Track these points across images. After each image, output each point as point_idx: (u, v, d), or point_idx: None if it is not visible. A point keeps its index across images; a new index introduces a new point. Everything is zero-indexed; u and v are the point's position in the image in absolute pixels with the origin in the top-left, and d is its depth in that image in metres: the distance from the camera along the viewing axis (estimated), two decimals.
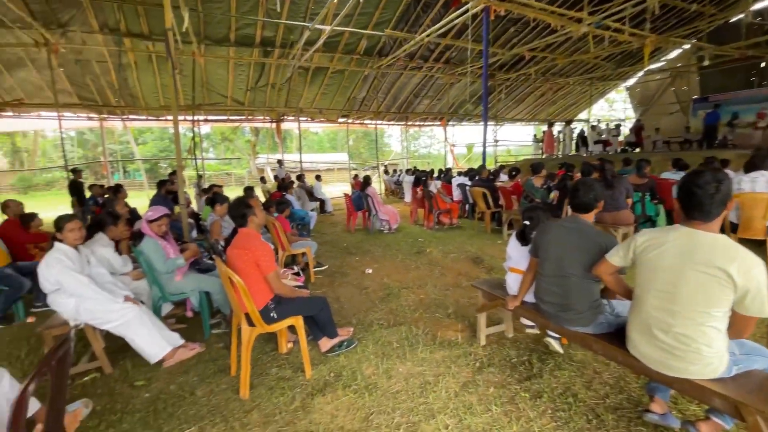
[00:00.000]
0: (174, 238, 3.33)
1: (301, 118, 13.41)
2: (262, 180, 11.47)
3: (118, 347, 2.84)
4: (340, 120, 14.59)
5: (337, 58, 11.35)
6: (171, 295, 3.08)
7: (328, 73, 11.97)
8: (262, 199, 7.92)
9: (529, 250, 2.47)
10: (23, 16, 7.04)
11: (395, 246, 6.15)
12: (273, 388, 2.40)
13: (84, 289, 2.51)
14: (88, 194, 7.86)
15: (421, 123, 17.70)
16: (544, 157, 15.52)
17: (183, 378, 2.58)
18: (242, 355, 2.34)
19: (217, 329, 3.27)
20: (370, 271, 4.80)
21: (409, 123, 17.11)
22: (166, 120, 12.97)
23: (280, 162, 12.45)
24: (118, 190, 6.08)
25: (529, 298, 2.50)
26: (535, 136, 18.30)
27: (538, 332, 2.93)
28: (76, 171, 8.46)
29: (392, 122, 16.69)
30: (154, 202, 5.96)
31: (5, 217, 4.37)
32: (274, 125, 13.89)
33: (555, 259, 2.20)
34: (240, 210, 2.51)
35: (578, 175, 6.75)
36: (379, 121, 15.87)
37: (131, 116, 12.48)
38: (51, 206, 13.40)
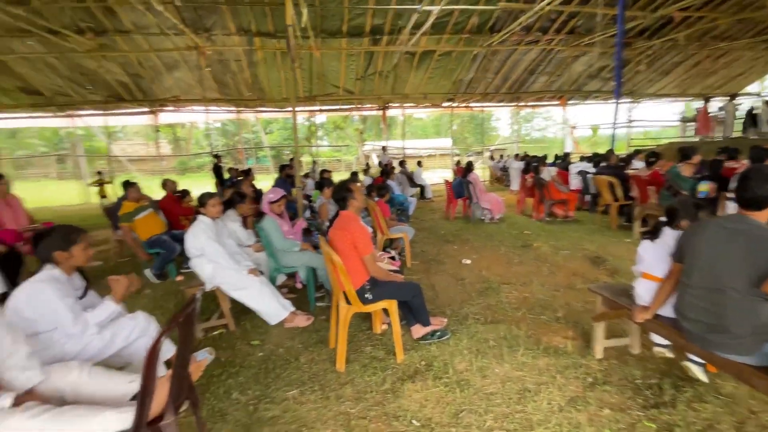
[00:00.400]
0: (290, 217, 3.68)
1: (405, 104, 13.50)
2: (367, 166, 11.97)
3: (241, 309, 3.26)
4: (445, 104, 14.25)
5: (444, 40, 11.00)
6: (284, 268, 3.42)
7: (434, 57, 11.71)
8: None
9: (671, 253, 2.02)
10: (177, 23, 8.43)
11: (497, 237, 5.79)
12: (366, 366, 2.47)
13: (220, 257, 2.92)
14: (227, 176, 9.25)
15: (536, 103, 16.20)
16: (697, 140, 12.76)
17: (290, 344, 2.84)
18: (339, 331, 2.46)
19: (321, 302, 3.52)
20: (468, 261, 4.60)
21: (522, 104, 15.82)
22: (288, 111, 14.41)
23: (383, 148, 12.79)
24: (247, 173, 6.99)
25: (666, 311, 2.06)
26: (683, 114, 15.13)
27: (673, 356, 2.38)
28: (217, 156, 10.01)
29: (501, 104, 15.64)
30: (276, 184, 6.71)
31: (164, 193, 5.37)
32: (380, 112, 14.30)
33: (707, 267, 1.76)
34: (341, 194, 2.61)
35: (744, 162, 5.37)
36: (486, 104, 15.04)
37: (260, 108, 14.21)
38: (201, 186, 16.17)
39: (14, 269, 3.56)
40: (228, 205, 3.59)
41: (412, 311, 2.68)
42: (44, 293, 1.78)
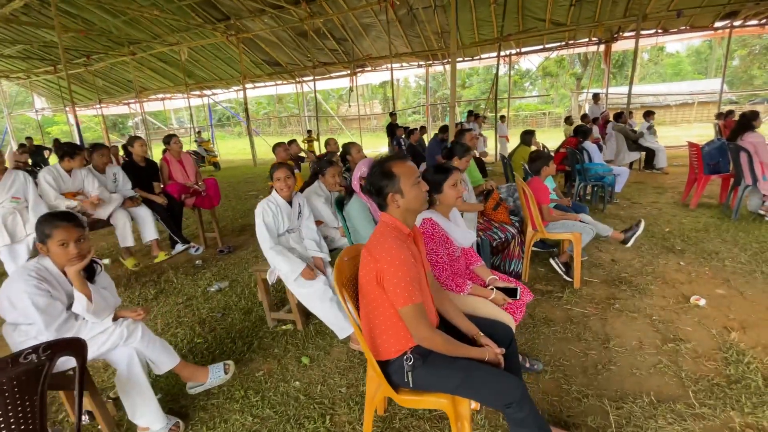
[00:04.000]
0: None
1: (645, 31, 9.56)
2: (567, 120, 9.27)
3: None
4: (718, 24, 9.30)
5: None
6: None
7: None
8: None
9: None
10: None
11: None
12: None
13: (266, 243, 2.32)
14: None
15: None
16: None
17: (335, 381, 2.02)
18: (364, 415, 1.46)
19: None
20: (701, 301, 2.52)
21: None
22: (478, 60, 12.75)
23: (595, 97, 9.59)
24: (423, 131, 6.19)
25: None
26: None
27: None
28: (393, 114, 9.71)
29: None
30: (429, 148, 5.75)
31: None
32: (602, 48, 10.75)
33: None
34: (374, 181, 1.43)
35: None
36: None
37: (449, 60, 13.10)
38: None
39: (176, 219, 4.06)
40: (314, 177, 2.94)
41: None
42: (17, 284, 1.54)
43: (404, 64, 13.41)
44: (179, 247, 3.89)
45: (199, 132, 14.43)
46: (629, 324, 2.36)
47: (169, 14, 9.83)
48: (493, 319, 1.65)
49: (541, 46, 11.57)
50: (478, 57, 12.68)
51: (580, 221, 2.96)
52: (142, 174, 3.82)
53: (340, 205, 2.55)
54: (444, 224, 1.73)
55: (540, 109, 28.59)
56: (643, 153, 7.27)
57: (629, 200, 5.32)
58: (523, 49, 11.87)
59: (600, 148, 7.48)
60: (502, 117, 10.67)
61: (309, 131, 13.10)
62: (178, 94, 16.26)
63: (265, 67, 13.95)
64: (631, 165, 7.80)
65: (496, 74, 10.55)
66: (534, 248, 3.19)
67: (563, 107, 28.26)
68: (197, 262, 3.93)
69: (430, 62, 13.36)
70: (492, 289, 1.77)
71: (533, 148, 5.15)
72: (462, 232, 1.80)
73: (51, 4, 6.53)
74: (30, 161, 8.72)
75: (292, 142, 5.91)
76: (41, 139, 16.94)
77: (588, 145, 5.31)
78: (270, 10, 9.84)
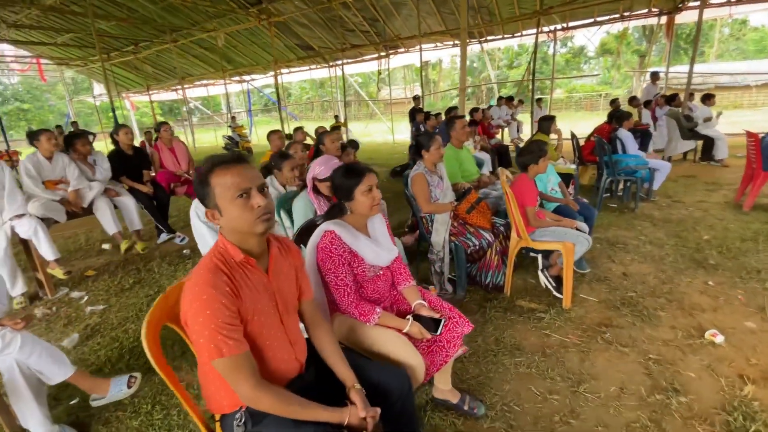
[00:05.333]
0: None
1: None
2: (612, 103, 8.18)
3: None
4: None
5: None
6: None
7: None
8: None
9: None
10: None
11: None
12: None
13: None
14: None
15: None
16: None
17: None
18: None
19: None
20: (719, 338, 1.99)
21: None
22: (520, 36, 11.70)
23: (653, 76, 8.37)
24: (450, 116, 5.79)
25: None
26: None
27: None
28: (416, 98, 9.22)
29: None
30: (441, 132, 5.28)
31: None
32: (663, 20, 9.37)
33: None
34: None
35: None
36: None
37: (489, 37, 12.18)
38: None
39: (162, 208, 4.05)
40: (266, 171, 2.70)
41: None
42: None
43: (438, 44, 12.69)
44: (163, 236, 3.88)
45: (233, 117, 14.80)
46: (615, 362, 1.92)
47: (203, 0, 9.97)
48: (396, 360, 1.34)
49: (591, 20, 10.35)
50: (519, 33, 11.64)
51: (577, 229, 2.48)
52: (130, 163, 3.82)
53: (285, 203, 2.31)
54: (350, 239, 1.42)
55: (596, 90, 26.13)
56: (700, 142, 6.24)
57: (670, 198, 4.57)
58: (570, 24, 10.70)
59: (649, 136, 6.56)
60: (539, 100, 9.76)
61: (336, 116, 12.91)
62: (220, 80, 16.79)
63: (299, 51, 13.88)
64: (685, 155, 6.78)
65: (534, 52, 9.60)
66: (533, 254, 2.75)
67: (625, 88, 25.59)
68: (185, 251, 3.92)
69: (468, 41, 12.50)
70: (409, 318, 1.45)
71: (553, 136, 4.55)
72: (376, 248, 1.48)
73: None
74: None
75: (298, 129, 5.72)
76: (100, 124, 18.34)
77: (622, 133, 4.58)
78: None
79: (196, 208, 2.15)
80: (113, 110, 8.58)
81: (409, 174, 2.61)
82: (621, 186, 4.73)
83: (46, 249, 3.02)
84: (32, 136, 3.15)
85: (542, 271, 2.59)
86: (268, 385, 0.97)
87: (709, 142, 6.09)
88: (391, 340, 1.38)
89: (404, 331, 1.42)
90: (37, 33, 13.53)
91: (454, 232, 2.49)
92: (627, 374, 1.82)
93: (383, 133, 16.95)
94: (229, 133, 13.57)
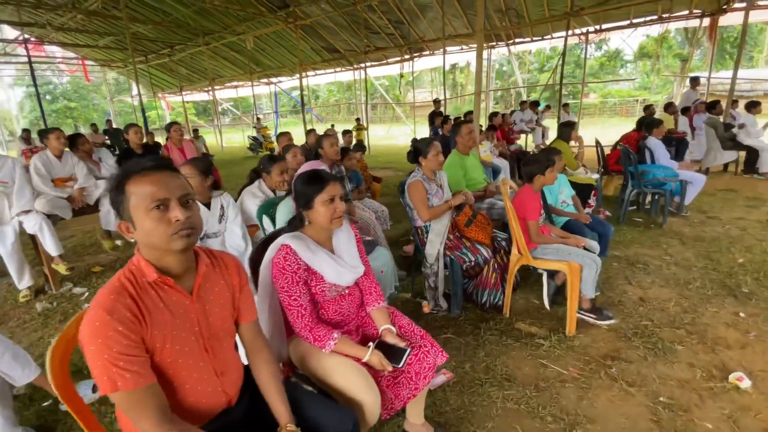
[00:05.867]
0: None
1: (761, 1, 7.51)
2: (646, 109, 7.65)
3: None
4: None
5: None
6: None
7: None
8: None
9: None
10: None
11: None
12: None
13: None
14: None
15: None
16: None
17: None
18: None
19: None
20: (745, 383, 1.72)
21: None
22: (550, 38, 11.25)
23: (693, 81, 7.78)
24: (457, 121, 5.64)
25: None
26: None
27: None
28: (436, 101, 9.06)
29: None
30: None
31: None
32: (706, 22, 8.72)
33: None
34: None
35: None
36: None
37: (517, 40, 11.80)
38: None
39: None
40: (255, 174, 2.61)
41: None
42: None
43: (463, 46, 12.42)
44: None
45: (258, 119, 15.08)
46: (618, 403, 1.69)
47: (233, 3, 10.23)
48: (348, 395, 1.20)
49: (626, 21, 9.80)
50: (549, 36, 11.21)
51: (584, 248, 2.24)
52: None
53: (269, 208, 2.22)
54: (307, 254, 1.29)
55: (633, 95, 24.88)
56: (743, 153, 5.72)
57: (704, 213, 4.17)
58: (604, 26, 10.18)
59: (685, 145, 6.10)
60: (566, 105, 9.34)
61: (357, 119, 12.88)
62: (249, 82, 17.24)
63: (324, 54, 13.98)
64: (726, 167, 6.24)
65: (563, 55, 9.18)
66: (539, 271, 2.52)
67: (665, 93, 24.23)
68: None
69: (493, 43, 12.17)
70: (370, 346, 1.30)
71: (573, 144, 4.26)
72: (337, 266, 1.34)
73: None
74: (109, 141, 9.94)
75: (311, 131, 5.69)
76: (143, 123, 19.23)
77: (652, 141, 4.23)
78: None
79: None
80: (143, 111, 8.91)
81: (406, 182, 2.46)
82: (648, 198, 4.37)
83: (50, 244, 3.08)
84: (42, 135, 3.23)
85: (547, 292, 2.37)
86: (176, 424, 0.85)
87: (753, 154, 5.56)
88: (346, 371, 1.23)
89: (363, 360, 1.28)
90: (81, 36, 14.33)
91: (450, 246, 2.32)
92: (630, 419, 1.60)
93: (406, 137, 16.79)
94: (254, 133, 13.83)
